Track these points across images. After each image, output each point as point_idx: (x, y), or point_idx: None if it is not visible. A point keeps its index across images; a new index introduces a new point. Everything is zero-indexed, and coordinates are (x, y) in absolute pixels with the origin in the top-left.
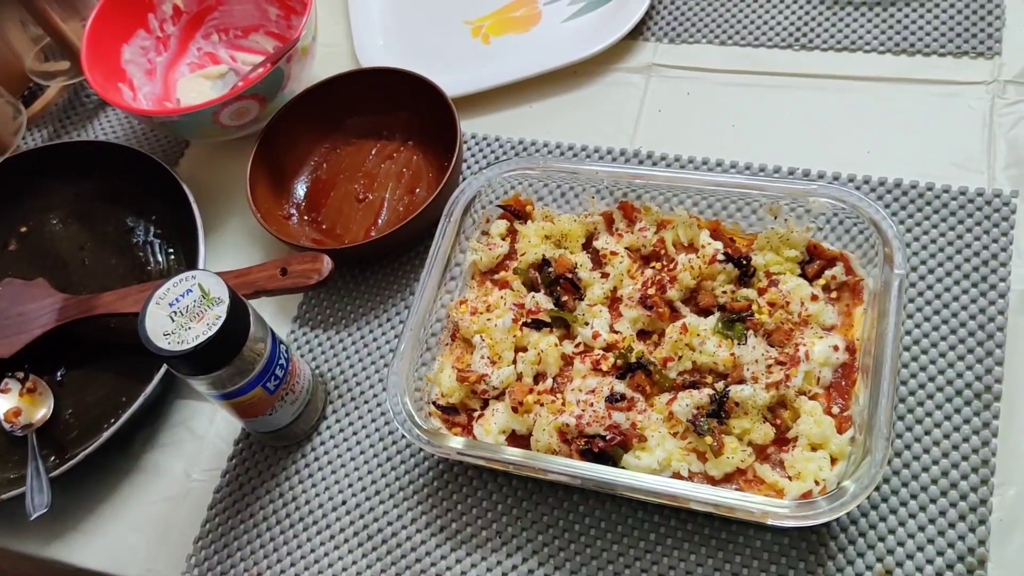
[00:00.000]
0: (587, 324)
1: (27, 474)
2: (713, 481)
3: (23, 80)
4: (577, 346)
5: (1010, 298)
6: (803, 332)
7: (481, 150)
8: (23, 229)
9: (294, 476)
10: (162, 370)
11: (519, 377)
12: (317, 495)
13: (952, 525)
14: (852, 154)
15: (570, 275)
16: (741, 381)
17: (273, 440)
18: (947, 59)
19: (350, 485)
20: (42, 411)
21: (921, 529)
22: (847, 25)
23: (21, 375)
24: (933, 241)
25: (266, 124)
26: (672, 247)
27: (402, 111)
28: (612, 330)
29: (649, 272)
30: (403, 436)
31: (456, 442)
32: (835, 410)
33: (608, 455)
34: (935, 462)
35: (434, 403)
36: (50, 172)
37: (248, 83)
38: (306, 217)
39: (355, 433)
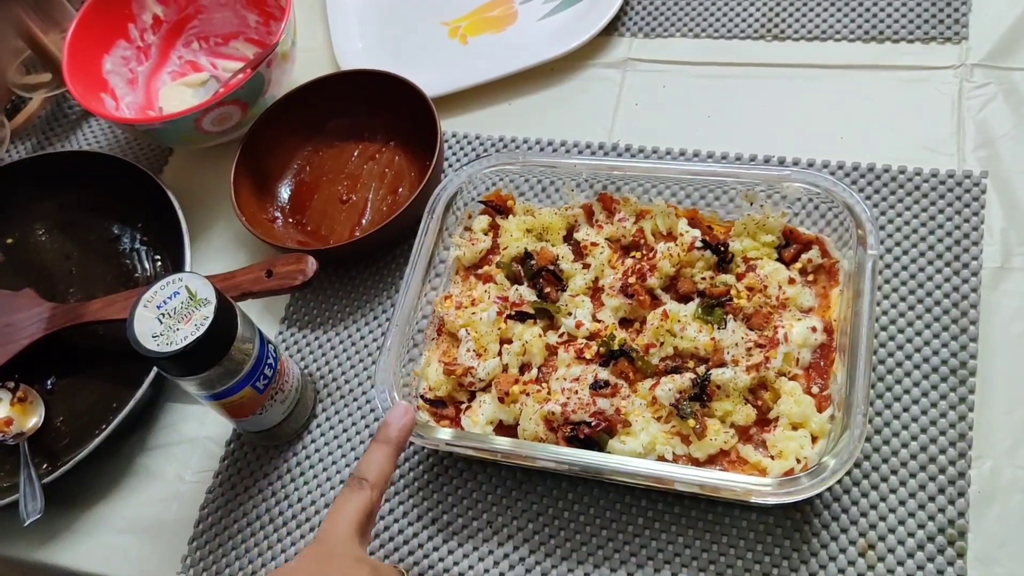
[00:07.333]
0: (570, 314)
1: (20, 482)
2: (697, 463)
3: (5, 93)
4: (561, 336)
5: (982, 276)
6: (781, 315)
7: (462, 148)
8: (9, 241)
9: (286, 475)
10: (152, 373)
11: (505, 368)
12: (309, 492)
13: (932, 498)
14: (825, 140)
15: (552, 267)
16: (722, 364)
17: (264, 440)
18: (915, 45)
19: (341, 481)
20: (33, 420)
21: (902, 503)
22: (817, 15)
23: (11, 385)
24: (906, 223)
25: (248, 129)
26: (651, 236)
27: (383, 112)
28: (595, 319)
29: (629, 261)
30: None
31: (444, 434)
32: (814, 390)
33: (594, 441)
34: (914, 437)
35: (422, 397)
36: (35, 183)
37: (229, 89)
38: (291, 220)
39: (345, 430)
